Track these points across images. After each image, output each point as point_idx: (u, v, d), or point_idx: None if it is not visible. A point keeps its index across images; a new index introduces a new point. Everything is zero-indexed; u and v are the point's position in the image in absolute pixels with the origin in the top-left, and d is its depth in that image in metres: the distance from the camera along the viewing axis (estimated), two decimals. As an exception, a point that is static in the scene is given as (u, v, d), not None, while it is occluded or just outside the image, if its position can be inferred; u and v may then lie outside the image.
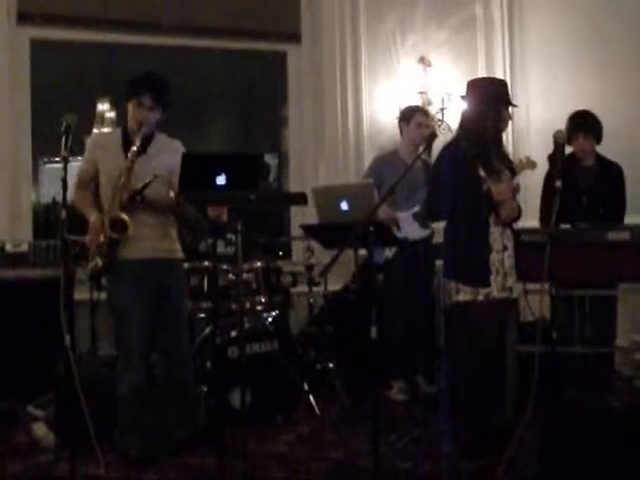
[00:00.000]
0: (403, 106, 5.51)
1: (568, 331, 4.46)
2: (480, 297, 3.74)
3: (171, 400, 3.95)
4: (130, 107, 3.85)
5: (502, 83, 4.08)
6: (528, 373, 3.57)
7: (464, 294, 3.76)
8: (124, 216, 3.67)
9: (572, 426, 3.24)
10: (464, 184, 3.73)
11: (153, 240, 3.84)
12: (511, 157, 4.09)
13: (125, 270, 3.78)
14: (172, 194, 3.76)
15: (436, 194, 3.86)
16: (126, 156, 3.74)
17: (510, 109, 3.92)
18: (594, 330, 4.62)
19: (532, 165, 3.88)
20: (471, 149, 3.78)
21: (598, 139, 4.65)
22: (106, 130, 5.21)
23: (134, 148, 3.70)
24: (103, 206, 3.86)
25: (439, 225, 4.22)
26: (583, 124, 4.52)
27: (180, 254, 4.04)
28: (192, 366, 4.07)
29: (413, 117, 5.11)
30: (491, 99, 3.82)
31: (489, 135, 3.79)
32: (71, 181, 3.37)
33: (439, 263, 4.48)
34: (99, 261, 3.75)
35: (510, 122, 4.05)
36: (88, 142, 3.98)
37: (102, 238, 3.71)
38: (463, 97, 3.93)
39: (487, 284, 3.74)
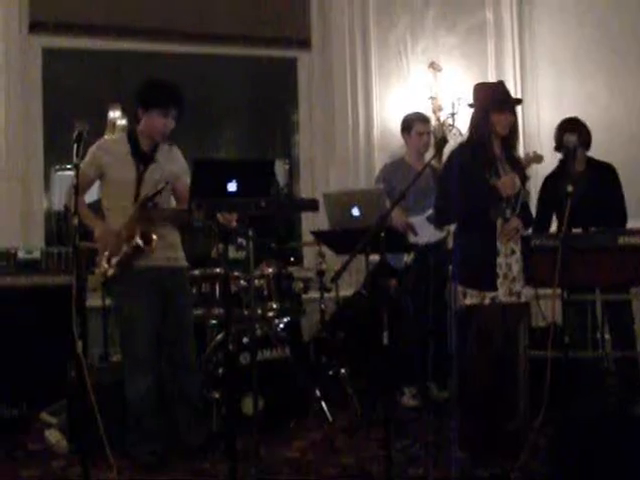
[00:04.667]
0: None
1: (580, 336, 4.45)
2: (486, 301, 3.73)
3: (180, 405, 3.96)
4: (149, 115, 3.82)
5: (493, 86, 4.05)
6: (540, 378, 3.56)
7: (470, 298, 3.76)
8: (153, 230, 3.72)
9: (585, 432, 3.22)
10: (471, 188, 3.72)
11: (161, 249, 3.83)
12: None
13: (133, 278, 3.79)
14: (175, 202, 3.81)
15: (444, 198, 3.86)
16: (137, 166, 3.76)
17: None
18: (614, 336, 4.60)
19: (539, 159, 3.89)
20: (473, 153, 3.78)
21: (587, 146, 4.63)
22: (110, 136, 5.21)
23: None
24: (106, 215, 3.88)
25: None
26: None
27: (184, 262, 4.06)
28: (200, 371, 4.09)
29: (412, 127, 5.14)
30: (480, 104, 3.82)
31: (487, 140, 3.79)
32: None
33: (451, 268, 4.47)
34: (110, 270, 3.76)
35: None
36: (92, 147, 3.85)
37: (125, 248, 3.72)
38: (470, 105, 3.94)
39: (493, 288, 3.73)
